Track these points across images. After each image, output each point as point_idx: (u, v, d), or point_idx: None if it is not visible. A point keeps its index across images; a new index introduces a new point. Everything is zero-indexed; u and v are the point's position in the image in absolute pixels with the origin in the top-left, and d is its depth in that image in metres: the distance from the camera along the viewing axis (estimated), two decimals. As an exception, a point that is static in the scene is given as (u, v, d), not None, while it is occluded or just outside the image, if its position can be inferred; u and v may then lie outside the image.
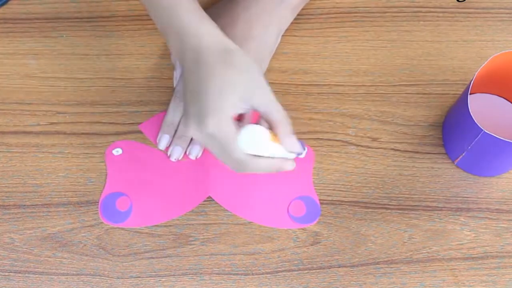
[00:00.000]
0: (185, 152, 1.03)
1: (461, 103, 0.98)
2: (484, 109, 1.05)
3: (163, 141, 1.02)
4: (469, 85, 0.95)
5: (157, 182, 1.02)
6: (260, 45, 1.02)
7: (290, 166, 0.90)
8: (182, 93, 0.94)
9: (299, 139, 0.89)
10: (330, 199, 1.02)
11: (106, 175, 1.02)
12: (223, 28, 0.99)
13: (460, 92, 1.05)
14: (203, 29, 0.88)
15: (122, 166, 1.02)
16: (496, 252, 1.01)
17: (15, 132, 1.04)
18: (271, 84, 1.06)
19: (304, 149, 0.89)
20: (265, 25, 1.02)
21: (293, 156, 0.89)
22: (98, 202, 1.01)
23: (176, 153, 1.02)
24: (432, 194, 1.03)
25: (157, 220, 1.01)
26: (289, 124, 0.88)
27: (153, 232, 1.01)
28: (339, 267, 1.00)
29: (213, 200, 1.02)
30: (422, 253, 1.00)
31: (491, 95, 1.06)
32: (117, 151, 1.03)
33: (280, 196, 1.02)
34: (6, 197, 1.01)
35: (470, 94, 1.03)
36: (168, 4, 0.90)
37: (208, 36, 0.88)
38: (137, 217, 1.01)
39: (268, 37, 1.03)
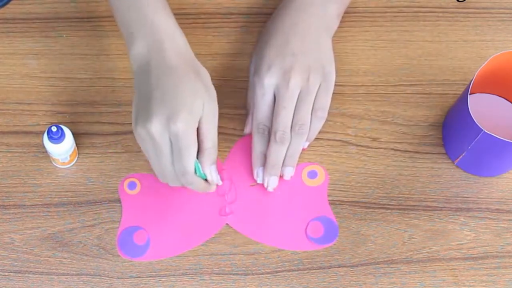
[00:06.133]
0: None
1: (461, 103, 0.98)
2: (484, 109, 1.05)
3: (261, 173, 1.01)
4: (469, 85, 0.95)
5: (173, 213, 1.01)
6: (320, 56, 1.00)
7: (212, 189, 0.97)
8: (142, 92, 0.92)
9: None
10: (330, 199, 1.02)
11: (121, 209, 1.01)
12: (278, 47, 0.99)
13: (460, 92, 1.05)
14: (177, 33, 0.95)
15: (137, 199, 1.01)
16: (496, 252, 1.01)
17: (15, 132, 1.04)
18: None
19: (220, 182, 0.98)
20: (316, 36, 1.01)
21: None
22: (98, 202, 1.01)
23: (274, 183, 1.01)
24: (432, 194, 1.03)
25: (176, 251, 0.99)
26: (215, 155, 0.94)
27: (153, 232, 1.01)
28: (339, 267, 1.00)
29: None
30: (422, 253, 1.00)
31: (491, 95, 1.06)
32: (131, 185, 1.02)
33: (297, 218, 1.01)
34: (6, 197, 1.01)
35: (470, 94, 1.03)
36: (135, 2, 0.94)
37: (181, 40, 0.95)
38: (155, 250, 0.99)
39: (323, 48, 1.01)
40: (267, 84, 0.98)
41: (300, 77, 0.98)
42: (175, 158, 0.91)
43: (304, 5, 1.01)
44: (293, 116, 0.98)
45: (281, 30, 1.01)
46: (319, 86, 0.99)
